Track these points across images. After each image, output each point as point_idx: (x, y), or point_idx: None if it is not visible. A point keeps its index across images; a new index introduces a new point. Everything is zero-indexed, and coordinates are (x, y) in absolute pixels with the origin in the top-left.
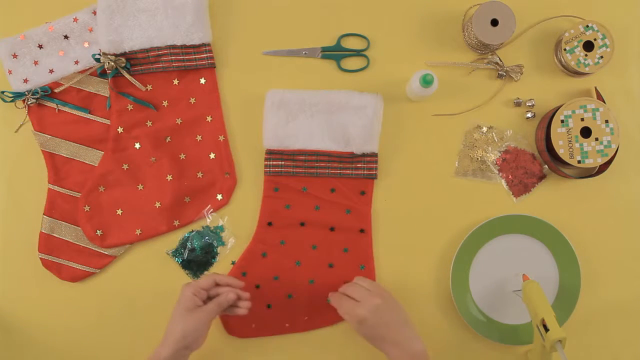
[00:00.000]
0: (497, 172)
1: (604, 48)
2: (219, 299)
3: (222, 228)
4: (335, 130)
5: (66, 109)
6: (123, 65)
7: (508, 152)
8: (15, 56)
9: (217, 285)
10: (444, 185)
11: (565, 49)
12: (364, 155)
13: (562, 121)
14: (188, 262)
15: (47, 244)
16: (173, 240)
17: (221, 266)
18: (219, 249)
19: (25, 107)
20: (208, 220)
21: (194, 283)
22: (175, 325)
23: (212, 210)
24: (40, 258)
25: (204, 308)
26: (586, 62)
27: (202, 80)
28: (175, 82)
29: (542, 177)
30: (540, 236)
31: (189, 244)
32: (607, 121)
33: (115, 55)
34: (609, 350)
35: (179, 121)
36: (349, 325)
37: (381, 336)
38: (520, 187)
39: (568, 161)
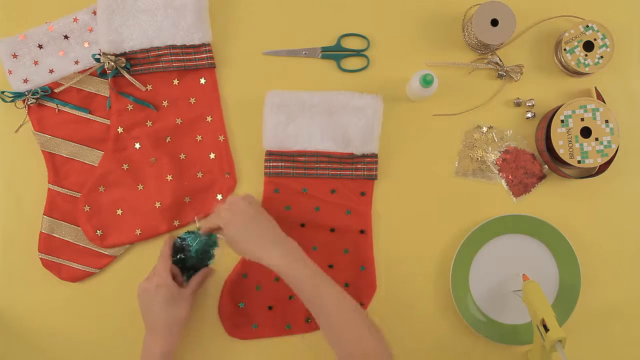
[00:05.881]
0: (497, 172)
1: (604, 48)
2: (198, 278)
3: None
4: (335, 131)
5: (66, 109)
6: (123, 65)
7: (508, 152)
8: (15, 56)
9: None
10: (444, 186)
11: (565, 49)
12: (363, 156)
13: (562, 121)
14: (184, 264)
15: (47, 244)
16: None
17: (219, 267)
18: (214, 251)
19: (25, 107)
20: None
21: (161, 271)
22: (165, 317)
23: (203, 217)
24: (40, 258)
25: (186, 292)
26: (586, 62)
27: (202, 80)
28: (175, 82)
29: (542, 177)
30: (540, 236)
31: (184, 244)
32: (607, 121)
33: (115, 55)
34: (609, 350)
35: (179, 121)
36: None
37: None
38: (520, 187)
39: (568, 161)
